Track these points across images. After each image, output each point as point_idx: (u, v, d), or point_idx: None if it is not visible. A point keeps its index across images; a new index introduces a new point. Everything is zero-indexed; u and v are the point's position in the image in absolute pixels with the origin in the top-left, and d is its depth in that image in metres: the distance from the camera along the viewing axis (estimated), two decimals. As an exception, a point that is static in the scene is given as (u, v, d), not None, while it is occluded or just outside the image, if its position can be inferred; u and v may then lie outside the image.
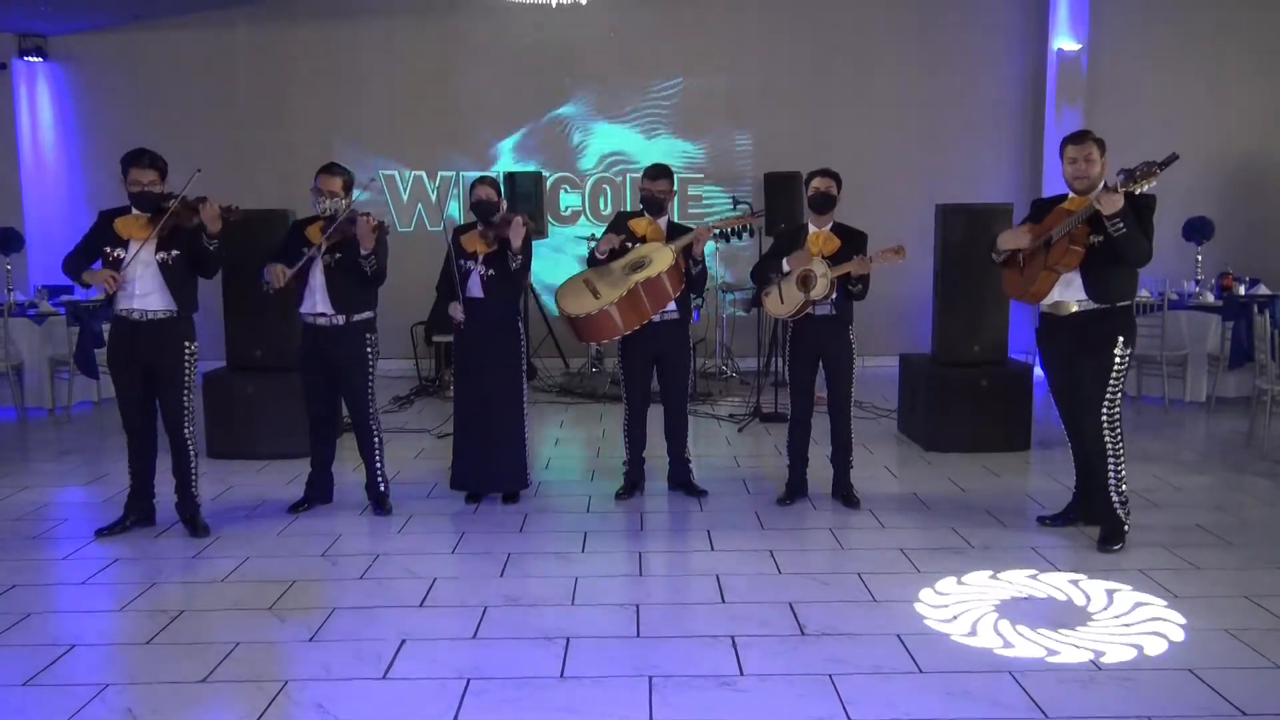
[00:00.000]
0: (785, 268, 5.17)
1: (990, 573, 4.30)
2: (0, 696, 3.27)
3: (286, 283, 4.92)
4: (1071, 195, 4.58)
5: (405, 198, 9.95)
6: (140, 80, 9.73)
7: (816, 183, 5.20)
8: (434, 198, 9.79)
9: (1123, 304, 4.55)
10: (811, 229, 5.23)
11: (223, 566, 4.48)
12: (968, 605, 3.95)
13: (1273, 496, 5.47)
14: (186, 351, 4.80)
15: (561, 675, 3.39)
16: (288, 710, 3.17)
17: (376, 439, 5.26)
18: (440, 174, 9.85)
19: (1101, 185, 4.45)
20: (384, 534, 4.95)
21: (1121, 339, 4.51)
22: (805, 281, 5.08)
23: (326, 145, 9.30)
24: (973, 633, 3.70)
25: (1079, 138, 4.57)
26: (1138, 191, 4.26)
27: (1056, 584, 4.18)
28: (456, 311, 5.20)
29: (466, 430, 5.36)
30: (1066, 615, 3.86)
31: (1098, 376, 4.52)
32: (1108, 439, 4.57)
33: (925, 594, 4.06)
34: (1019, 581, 4.21)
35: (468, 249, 5.22)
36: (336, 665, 3.48)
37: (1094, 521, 4.79)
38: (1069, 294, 4.55)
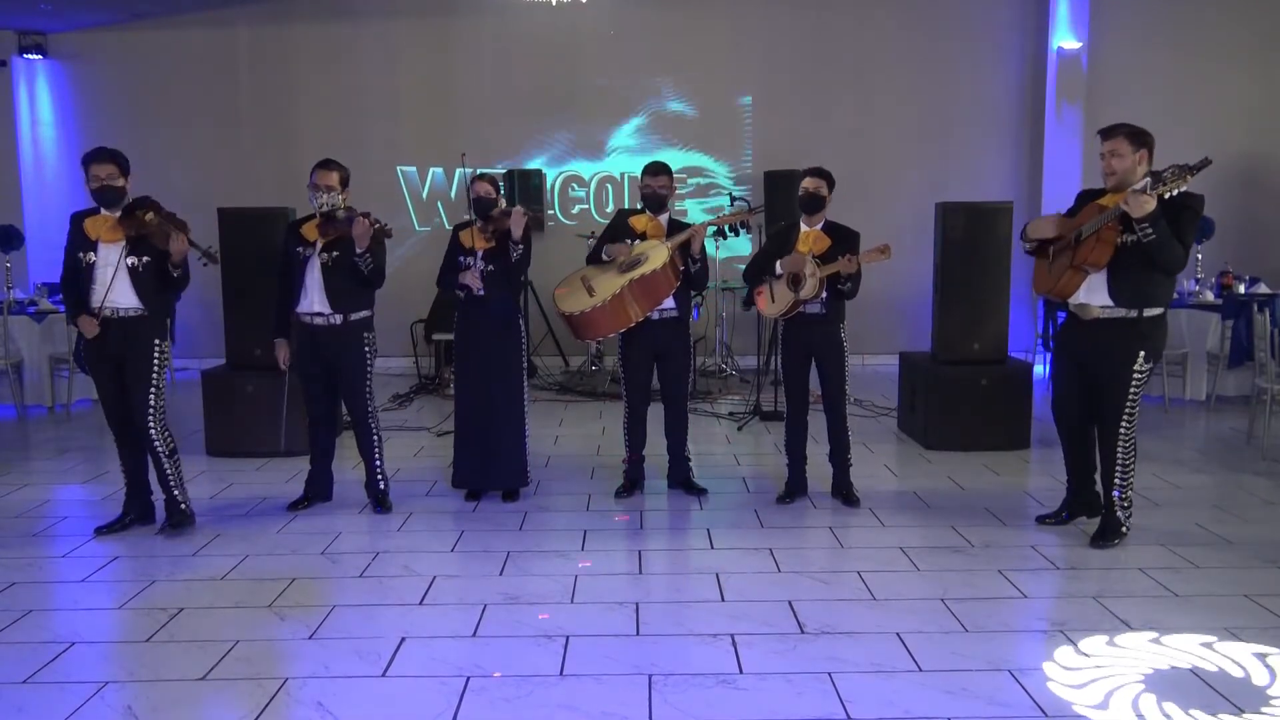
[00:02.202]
0: (778, 270, 5.17)
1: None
2: (0, 694, 3.27)
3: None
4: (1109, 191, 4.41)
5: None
6: (140, 78, 9.74)
7: (806, 183, 5.18)
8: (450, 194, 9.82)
9: (1150, 313, 4.35)
10: (803, 228, 5.22)
11: (222, 564, 4.48)
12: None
13: (1273, 496, 5.47)
14: (156, 350, 4.75)
15: (561, 673, 3.39)
16: (287, 708, 3.17)
17: (376, 437, 5.26)
18: (432, 170, 9.88)
19: (1145, 181, 4.23)
20: (384, 532, 4.95)
21: (1142, 354, 4.36)
22: (795, 281, 5.08)
23: (327, 143, 9.31)
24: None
25: (1108, 132, 4.37)
26: (1167, 195, 4.09)
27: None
28: (470, 279, 5.16)
29: (467, 428, 5.36)
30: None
31: (1116, 393, 4.43)
32: (1120, 452, 4.52)
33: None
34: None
35: (466, 245, 5.22)
36: (336, 663, 3.48)
37: (1092, 514, 4.81)
38: (1094, 297, 4.39)
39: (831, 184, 5.18)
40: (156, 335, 4.77)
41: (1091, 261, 4.31)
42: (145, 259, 4.68)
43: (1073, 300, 4.48)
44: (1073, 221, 4.46)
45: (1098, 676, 3.32)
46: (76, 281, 4.71)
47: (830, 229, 5.19)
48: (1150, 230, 4.11)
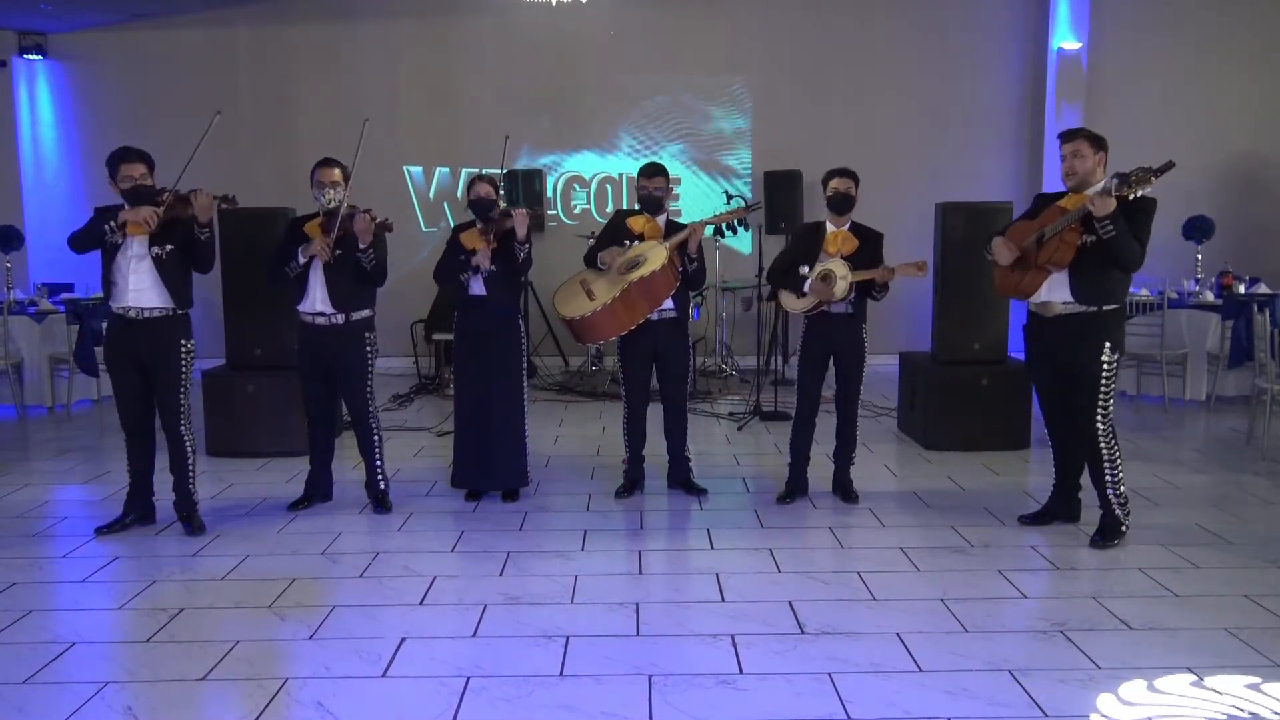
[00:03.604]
0: (805, 289, 5.17)
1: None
2: (1, 694, 3.27)
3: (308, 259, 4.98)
4: (1069, 193, 4.56)
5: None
6: (140, 78, 9.74)
7: (835, 183, 5.20)
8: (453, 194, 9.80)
9: (1110, 307, 4.51)
10: (829, 228, 5.23)
11: (222, 564, 4.48)
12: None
13: (1272, 496, 5.47)
14: (183, 349, 4.80)
15: (561, 673, 3.39)
16: (288, 708, 3.17)
17: (376, 437, 5.26)
18: (439, 170, 9.88)
19: (1102, 185, 4.42)
20: (384, 532, 4.95)
21: (1108, 345, 4.49)
22: (825, 281, 5.08)
23: (327, 143, 9.31)
24: None
25: (1068, 135, 4.57)
26: (1131, 196, 4.24)
27: None
28: (481, 252, 5.11)
29: (467, 428, 5.36)
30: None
31: (1088, 386, 4.52)
32: (1102, 445, 4.57)
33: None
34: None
35: (467, 246, 5.22)
36: (336, 663, 3.48)
37: (1068, 520, 4.88)
38: (1056, 294, 4.53)
39: (857, 185, 5.22)
40: (182, 335, 4.81)
41: (1055, 261, 4.46)
42: (169, 248, 4.71)
43: (1034, 299, 4.62)
44: (1034, 224, 4.59)
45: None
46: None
47: (856, 230, 5.21)
48: (1111, 227, 4.26)
